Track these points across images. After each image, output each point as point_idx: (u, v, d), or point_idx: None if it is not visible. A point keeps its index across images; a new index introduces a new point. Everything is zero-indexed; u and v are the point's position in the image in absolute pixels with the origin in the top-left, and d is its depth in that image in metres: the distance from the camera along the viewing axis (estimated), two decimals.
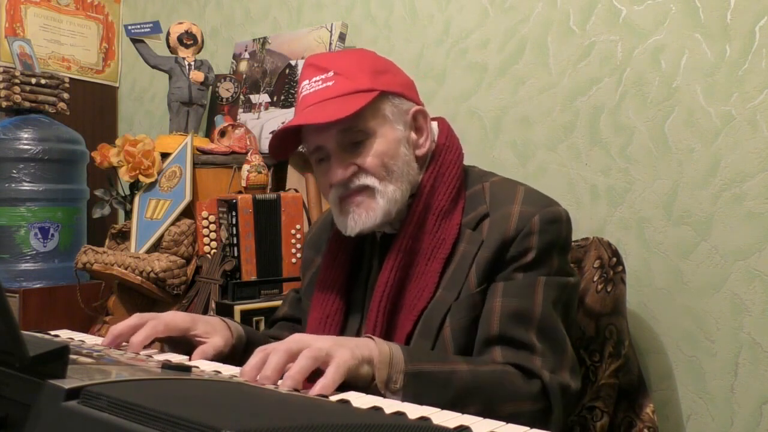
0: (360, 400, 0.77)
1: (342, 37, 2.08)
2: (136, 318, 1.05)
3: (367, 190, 1.11)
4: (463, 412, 0.91)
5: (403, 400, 0.87)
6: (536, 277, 1.07)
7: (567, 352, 1.07)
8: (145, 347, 1.03)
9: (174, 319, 1.08)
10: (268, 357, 0.84)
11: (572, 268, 1.18)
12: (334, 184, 1.13)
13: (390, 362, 0.91)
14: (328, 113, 1.07)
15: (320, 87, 1.11)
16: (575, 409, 1.10)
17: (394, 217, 1.13)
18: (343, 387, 0.83)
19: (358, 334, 1.17)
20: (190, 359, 1.07)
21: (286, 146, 1.21)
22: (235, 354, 1.13)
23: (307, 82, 1.13)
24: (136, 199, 2.13)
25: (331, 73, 1.11)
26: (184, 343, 1.09)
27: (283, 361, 0.83)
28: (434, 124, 1.22)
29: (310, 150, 1.17)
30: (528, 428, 0.65)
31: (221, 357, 1.08)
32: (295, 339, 0.87)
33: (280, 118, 2.18)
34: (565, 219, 1.13)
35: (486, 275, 1.08)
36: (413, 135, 1.16)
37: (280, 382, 0.82)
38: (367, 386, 0.88)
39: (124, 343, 1.04)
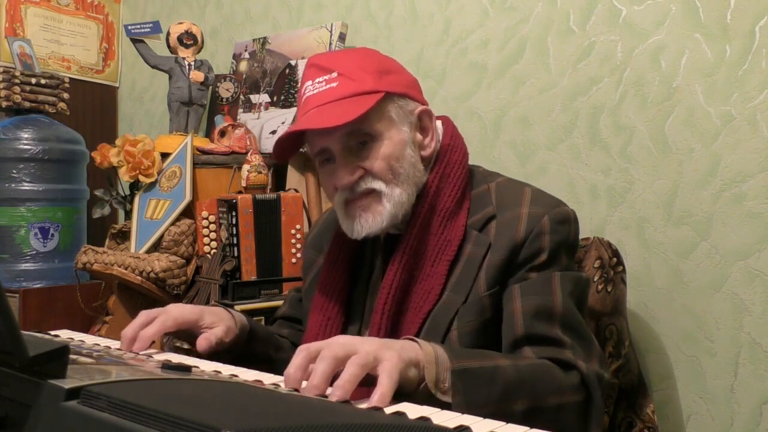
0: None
1: (342, 37, 2.08)
2: (144, 316, 1.07)
3: (373, 193, 1.10)
4: (511, 408, 0.90)
5: (452, 400, 0.86)
6: (550, 272, 1.07)
7: (593, 343, 1.06)
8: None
9: (182, 312, 1.09)
10: (311, 357, 0.81)
11: (577, 268, 1.17)
12: (340, 188, 1.11)
13: (436, 361, 0.88)
14: (334, 117, 1.06)
15: (324, 88, 1.09)
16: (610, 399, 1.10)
17: (400, 218, 1.13)
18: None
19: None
20: (195, 347, 1.09)
21: (289, 148, 1.19)
22: (238, 343, 1.14)
23: (310, 83, 1.11)
24: (136, 199, 2.13)
25: (334, 74, 1.09)
26: (191, 335, 1.11)
27: (330, 369, 0.79)
28: (438, 123, 1.21)
29: (314, 152, 1.15)
30: (528, 428, 0.65)
31: (223, 346, 1.10)
32: (340, 342, 0.83)
33: (280, 118, 2.18)
34: (573, 219, 1.13)
35: (497, 279, 1.07)
36: (419, 135, 1.15)
37: (328, 390, 0.79)
38: (414, 390, 0.85)
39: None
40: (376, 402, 0.75)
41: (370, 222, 1.10)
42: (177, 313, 1.08)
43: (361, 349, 0.81)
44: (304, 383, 0.81)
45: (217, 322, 1.11)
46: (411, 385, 0.85)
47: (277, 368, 1.17)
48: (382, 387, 0.78)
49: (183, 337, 1.14)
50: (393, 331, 1.08)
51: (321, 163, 1.15)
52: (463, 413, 0.71)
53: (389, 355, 0.82)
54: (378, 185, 1.10)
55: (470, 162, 1.23)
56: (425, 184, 1.14)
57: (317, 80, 1.11)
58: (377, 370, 0.80)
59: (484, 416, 0.69)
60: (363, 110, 1.05)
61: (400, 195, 1.10)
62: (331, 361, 0.79)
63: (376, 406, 0.74)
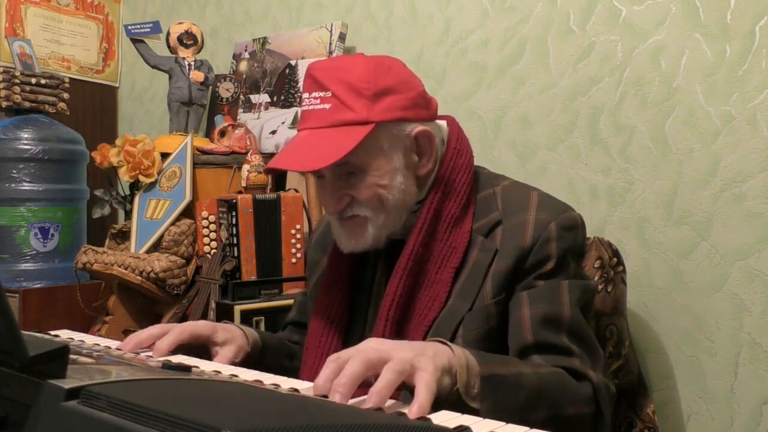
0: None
1: (342, 37, 2.08)
2: (159, 328, 1.07)
3: (359, 217, 1.11)
4: (531, 417, 0.89)
5: (481, 406, 0.85)
6: (558, 281, 1.06)
7: (599, 351, 1.06)
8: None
9: (197, 326, 1.11)
10: (341, 367, 0.78)
11: (585, 273, 1.17)
12: (329, 213, 1.14)
13: (467, 366, 0.87)
14: (319, 156, 1.05)
15: (317, 107, 1.08)
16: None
17: (384, 239, 1.12)
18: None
19: (361, 340, 1.17)
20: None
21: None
22: (250, 361, 1.14)
23: (306, 95, 1.11)
24: (136, 199, 2.13)
25: (329, 93, 1.07)
26: (202, 349, 1.12)
27: (361, 371, 0.77)
28: (443, 124, 1.19)
29: (307, 169, 1.18)
30: (528, 428, 0.65)
31: (235, 365, 1.10)
32: (372, 347, 0.81)
33: (280, 118, 2.18)
34: (581, 225, 1.13)
35: (503, 286, 1.07)
36: (414, 157, 1.12)
37: (350, 399, 0.76)
38: (445, 397, 0.83)
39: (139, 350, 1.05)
40: (415, 414, 0.72)
41: (353, 243, 1.13)
42: (192, 326, 1.10)
43: (395, 355, 0.79)
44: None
45: (230, 340, 1.12)
46: (443, 392, 0.83)
47: (292, 377, 1.18)
48: (420, 398, 0.75)
49: (194, 353, 1.10)
50: (397, 337, 1.07)
51: (316, 179, 1.16)
52: (490, 418, 0.70)
53: (425, 364, 0.79)
54: (364, 212, 1.10)
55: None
56: (429, 188, 1.13)
57: (313, 95, 1.10)
58: (413, 379, 0.78)
59: (508, 422, 0.68)
60: (349, 148, 1.04)
61: (385, 220, 1.11)
62: (363, 363, 0.77)
63: (378, 407, 0.74)
